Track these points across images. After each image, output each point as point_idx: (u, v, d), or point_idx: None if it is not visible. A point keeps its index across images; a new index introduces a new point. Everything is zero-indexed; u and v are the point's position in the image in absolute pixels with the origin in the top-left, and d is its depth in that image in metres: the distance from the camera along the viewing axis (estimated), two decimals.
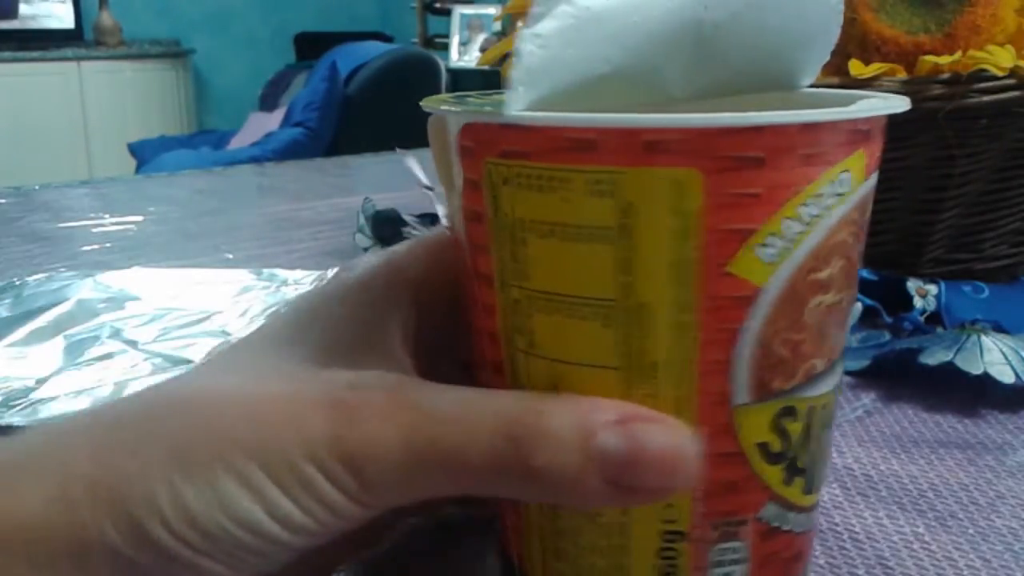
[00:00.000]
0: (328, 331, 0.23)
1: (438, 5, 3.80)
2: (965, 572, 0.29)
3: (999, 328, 0.45)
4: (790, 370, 0.21)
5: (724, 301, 0.20)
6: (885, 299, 0.49)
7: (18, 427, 0.39)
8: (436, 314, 0.24)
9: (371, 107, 2.71)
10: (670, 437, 0.20)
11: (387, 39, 3.69)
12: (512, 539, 0.24)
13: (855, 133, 0.20)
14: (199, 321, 0.50)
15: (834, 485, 0.35)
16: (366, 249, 0.64)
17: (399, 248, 0.25)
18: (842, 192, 0.20)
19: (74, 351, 0.46)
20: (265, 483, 0.19)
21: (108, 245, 0.73)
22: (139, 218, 0.83)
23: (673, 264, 0.19)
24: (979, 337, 0.43)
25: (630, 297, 0.20)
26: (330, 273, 0.55)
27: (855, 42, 0.50)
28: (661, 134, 0.18)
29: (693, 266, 0.19)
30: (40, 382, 0.43)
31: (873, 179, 0.21)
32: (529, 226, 0.20)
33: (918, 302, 0.49)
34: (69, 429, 0.21)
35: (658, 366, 0.20)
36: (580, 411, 0.20)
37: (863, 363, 0.45)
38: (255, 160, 2.31)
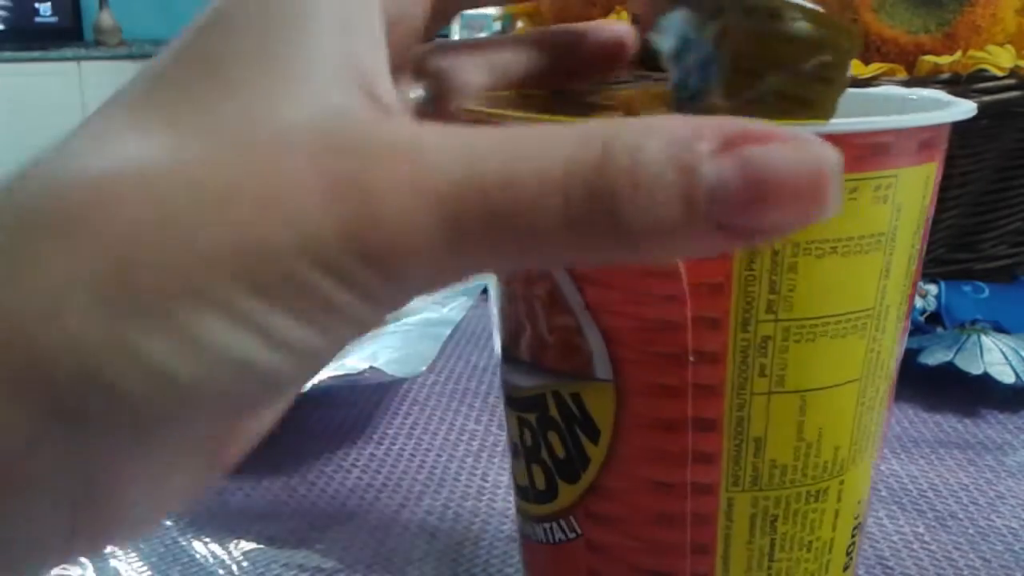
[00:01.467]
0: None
1: None
2: (965, 572, 0.29)
3: (999, 328, 0.45)
4: None
5: (914, 287, 0.21)
6: None
7: None
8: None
9: None
10: (799, 154, 0.14)
11: None
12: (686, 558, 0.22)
13: None
14: None
15: None
16: None
17: None
18: None
19: None
20: (258, 307, 0.14)
21: None
22: None
23: (911, 259, 0.20)
24: (979, 337, 0.43)
25: (883, 301, 0.20)
26: None
27: None
28: (932, 131, 0.19)
29: (917, 256, 0.21)
30: None
31: None
32: (805, 249, 0.19)
33: (918, 302, 0.49)
34: None
35: (885, 365, 0.21)
36: (674, 139, 0.14)
37: None
38: None
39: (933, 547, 0.31)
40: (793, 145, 0.14)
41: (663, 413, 0.20)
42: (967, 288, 0.50)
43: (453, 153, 0.14)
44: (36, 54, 3.46)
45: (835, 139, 0.18)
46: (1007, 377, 0.41)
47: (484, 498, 0.34)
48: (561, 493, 0.23)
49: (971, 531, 0.32)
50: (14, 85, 3.41)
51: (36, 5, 3.57)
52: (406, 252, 0.14)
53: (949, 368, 0.41)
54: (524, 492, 0.24)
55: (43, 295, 0.13)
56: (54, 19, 3.62)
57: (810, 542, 0.22)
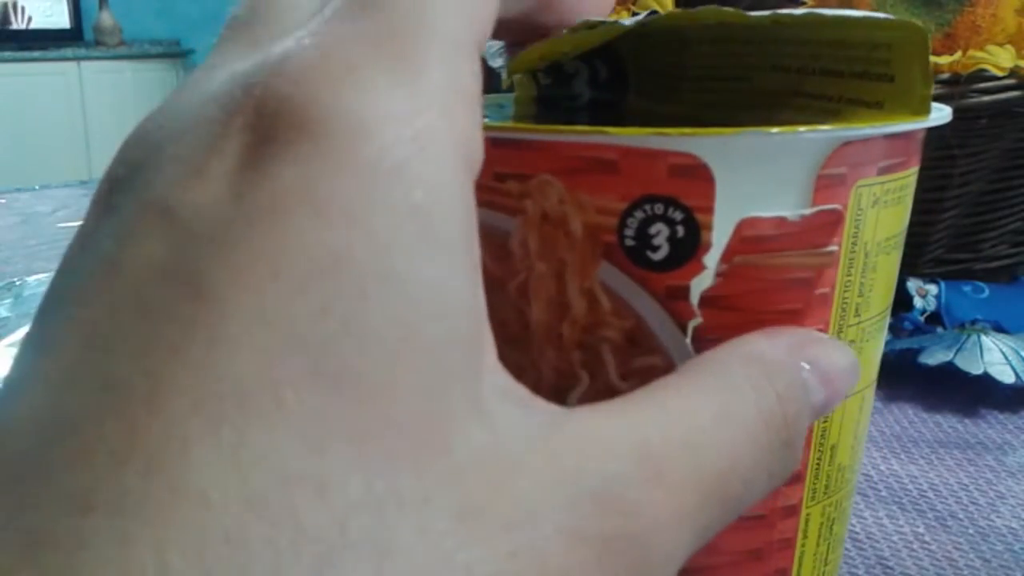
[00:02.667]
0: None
1: None
2: (965, 572, 0.29)
3: (999, 328, 0.45)
4: None
5: None
6: None
7: None
8: None
9: None
10: (844, 358, 0.17)
11: None
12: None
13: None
14: None
15: None
16: None
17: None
18: None
19: None
20: None
21: None
22: None
23: None
24: (979, 337, 0.43)
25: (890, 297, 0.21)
26: None
27: None
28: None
29: None
30: None
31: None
32: (882, 247, 0.19)
33: (918, 302, 0.49)
34: None
35: None
36: (805, 382, 0.16)
37: None
38: None
39: (933, 547, 0.31)
40: (836, 349, 0.17)
41: None
42: (967, 288, 0.50)
43: (679, 450, 0.13)
44: (36, 54, 3.46)
45: (915, 135, 0.19)
46: (1007, 377, 0.41)
47: None
48: None
49: (971, 531, 0.32)
50: (14, 85, 3.41)
51: (36, 5, 3.57)
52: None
53: (949, 368, 0.41)
54: None
55: None
56: (54, 19, 3.62)
57: (842, 535, 0.22)
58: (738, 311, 0.18)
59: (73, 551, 0.09)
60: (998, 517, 0.32)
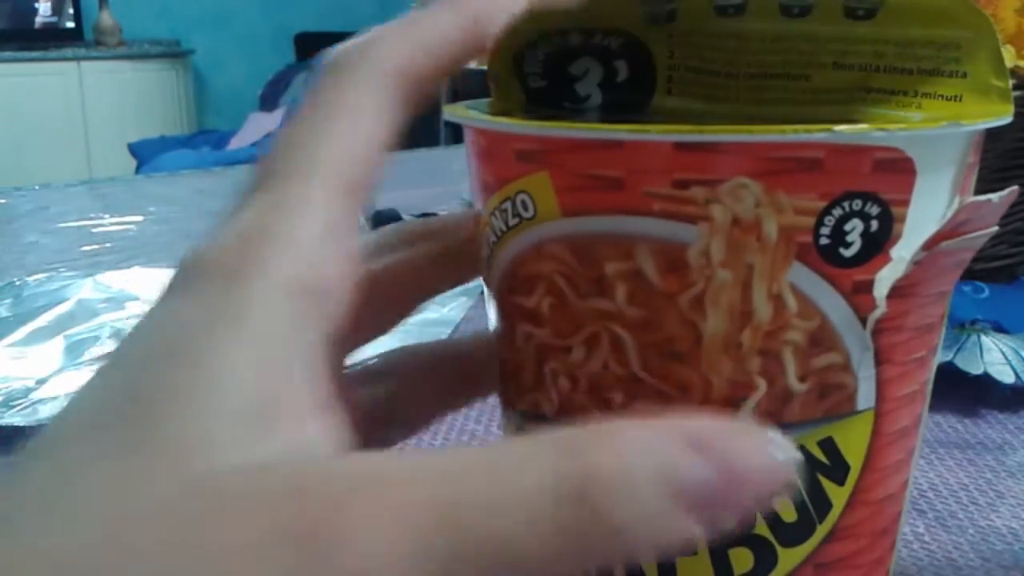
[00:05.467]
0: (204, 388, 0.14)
1: None
2: (965, 572, 0.29)
3: (999, 328, 0.45)
4: None
5: None
6: None
7: (18, 427, 0.39)
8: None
9: None
10: (758, 444, 0.15)
11: None
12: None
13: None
14: None
15: None
16: None
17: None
18: (524, 216, 0.19)
19: (74, 351, 0.46)
20: None
21: (108, 245, 0.73)
22: (139, 218, 0.83)
23: None
24: (979, 337, 0.43)
25: None
26: None
27: None
28: None
29: None
30: (40, 382, 0.43)
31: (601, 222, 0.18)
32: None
33: None
34: None
35: None
36: (651, 445, 0.14)
37: None
38: (255, 160, 2.30)
39: (933, 547, 0.31)
40: (752, 439, 0.14)
41: (905, 420, 0.19)
42: (967, 288, 0.50)
43: (425, 482, 0.14)
44: (36, 54, 3.46)
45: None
46: (1007, 377, 0.41)
47: None
48: (781, 563, 0.19)
49: (971, 531, 0.32)
50: (14, 85, 3.41)
51: (36, 5, 3.57)
52: None
53: (949, 368, 0.41)
54: None
55: None
56: (54, 19, 3.63)
57: None
58: (911, 297, 0.18)
59: None
60: (998, 517, 0.32)
